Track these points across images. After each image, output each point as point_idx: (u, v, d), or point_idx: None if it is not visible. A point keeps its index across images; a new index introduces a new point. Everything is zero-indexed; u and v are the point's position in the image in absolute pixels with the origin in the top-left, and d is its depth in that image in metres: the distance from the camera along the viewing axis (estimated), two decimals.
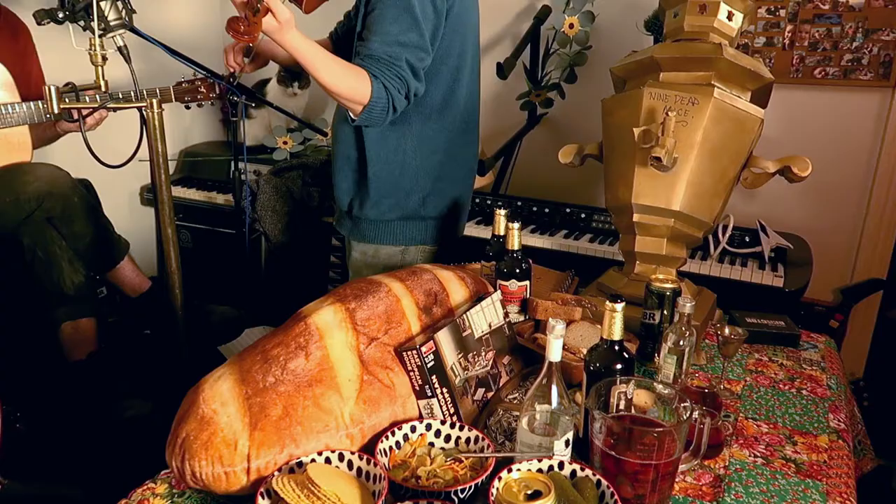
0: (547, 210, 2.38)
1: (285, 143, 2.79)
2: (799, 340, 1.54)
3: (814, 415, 1.25)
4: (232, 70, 1.70)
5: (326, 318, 1.09)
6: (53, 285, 1.97)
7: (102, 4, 1.44)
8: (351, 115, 1.52)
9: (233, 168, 2.43)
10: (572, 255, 2.20)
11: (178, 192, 2.81)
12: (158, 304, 2.23)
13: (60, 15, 1.41)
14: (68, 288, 1.98)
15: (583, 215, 2.34)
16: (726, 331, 1.31)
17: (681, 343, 1.17)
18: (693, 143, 1.45)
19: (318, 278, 2.59)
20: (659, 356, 1.21)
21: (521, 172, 2.62)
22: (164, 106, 1.52)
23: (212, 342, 2.31)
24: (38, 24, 1.41)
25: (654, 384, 1.01)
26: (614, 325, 1.04)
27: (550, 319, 0.94)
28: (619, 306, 1.04)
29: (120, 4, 1.49)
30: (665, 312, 1.34)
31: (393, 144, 1.64)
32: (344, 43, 1.77)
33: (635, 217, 1.51)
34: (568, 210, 2.36)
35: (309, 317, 1.09)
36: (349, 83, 1.46)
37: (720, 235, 2.05)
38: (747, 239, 2.19)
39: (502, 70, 2.26)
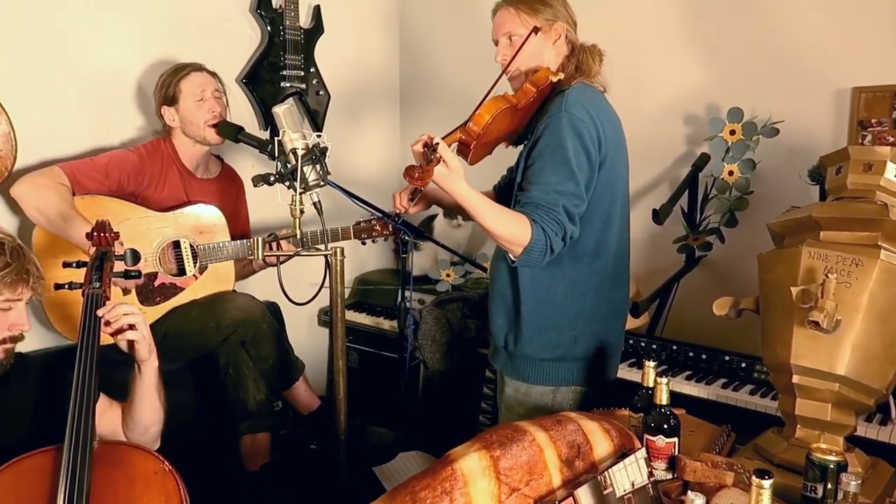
0: (704, 356, 2.30)
1: (448, 275, 2.99)
2: None
3: None
4: (399, 212, 1.90)
5: (472, 465, 1.16)
6: (240, 401, 2.24)
7: (305, 169, 1.72)
8: (511, 256, 1.65)
9: (399, 297, 2.64)
10: (730, 406, 2.09)
11: (350, 315, 3.06)
12: (325, 422, 2.41)
13: (272, 179, 1.70)
14: (251, 405, 2.23)
15: (743, 364, 2.23)
16: None
17: None
18: (858, 305, 1.40)
19: (471, 408, 2.67)
20: None
21: (677, 315, 2.58)
22: None
23: (368, 462, 2.44)
24: (255, 186, 1.72)
25: None
26: (761, 503, 1.01)
27: (690, 493, 0.94)
28: (767, 483, 1.01)
29: (319, 167, 1.77)
30: (829, 486, 1.26)
31: (545, 284, 1.74)
32: (505, 193, 1.93)
33: (795, 378, 1.45)
34: (727, 358, 2.26)
35: (456, 461, 1.17)
36: (510, 227, 1.60)
37: None
38: None
39: (658, 216, 2.31)
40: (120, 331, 1.51)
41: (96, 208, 2.10)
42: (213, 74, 2.38)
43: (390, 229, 2.41)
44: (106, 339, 1.49)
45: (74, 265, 1.65)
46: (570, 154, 1.61)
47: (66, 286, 1.61)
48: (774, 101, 2.44)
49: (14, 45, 2.18)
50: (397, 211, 1.88)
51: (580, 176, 1.62)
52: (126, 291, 2.13)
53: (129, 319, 1.51)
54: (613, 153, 1.72)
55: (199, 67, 2.35)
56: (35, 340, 2.26)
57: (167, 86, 2.31)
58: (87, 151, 2.34)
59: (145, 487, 1.37)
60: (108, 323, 1.49)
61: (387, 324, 2.97)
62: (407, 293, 2.61)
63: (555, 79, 1.70)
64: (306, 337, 3.10)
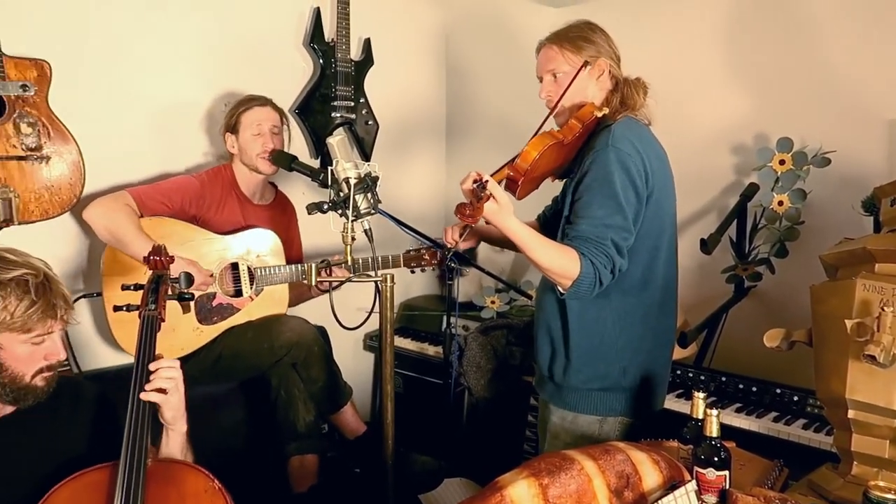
0: (755, 388, 2.26)
1: (493, 302, 3.01)
2: None
3: None
4: (450, 246, 1.95)
5: (521, 492, 1.17)
6: (289, 423, 2.28)
7: (357, 197, 1.77)
8: (560, 288, 1.67)
9: (444, 323, 2.67)
10: (782, 441, 2.05)
11: (395, 341, 3.07)
12: (370, 448, 2.44)
13: (325, 207, 1.76)
14: (301, 426, 2.28)
15: (795, 398, 2.18)
16: None
17: None
18: None
19: (515, 436, 2.67)
20: None
21: (726, 346, 2.54)
22: None
23: (413, 489, 2.45)
24: (308, 214, 1.78)
25: None
26: None
27: None
28: None
29: (370, 195, 1.82)
30: None
31: (592, 316, 1.75)
32: (551, 223, 1.96)
33: (850, 413, 1.42)
34: (778, 391, 2.22)
35: (504, 488, 1.18)
36: (560, 261, 1.62)
37: None
38: None
39: (706, 245, 2.30)
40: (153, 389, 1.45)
41: (163, 229, 2.22)
42: (278, 109, 2.50)
43: (438, 258, 2.46)
44: None
45: (132, 288, 1.72)
46: (617, 188, 1.64)
47: (124, 308, 1.67)
48: (825, 132, 2.41)
49: (85, 79, 2.31)
50: (449, 245, 1.93)
51: (628, 209, 1.65)
52: (186, 309, 2.22)
53: (162, 384, 1.45)
54: (660, 186, 1.74)
55: (263, 102, 2.47)
56: (93, 361, 2.37)
57: (232, 115, 2.45)
58: (153, 177, 2.46)
59: None
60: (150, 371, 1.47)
61: (431, 350, 3.00)
62: (452, 319, 2.64)
63: (599, 114, 1.73)
64: (352, 361, 3.15)
